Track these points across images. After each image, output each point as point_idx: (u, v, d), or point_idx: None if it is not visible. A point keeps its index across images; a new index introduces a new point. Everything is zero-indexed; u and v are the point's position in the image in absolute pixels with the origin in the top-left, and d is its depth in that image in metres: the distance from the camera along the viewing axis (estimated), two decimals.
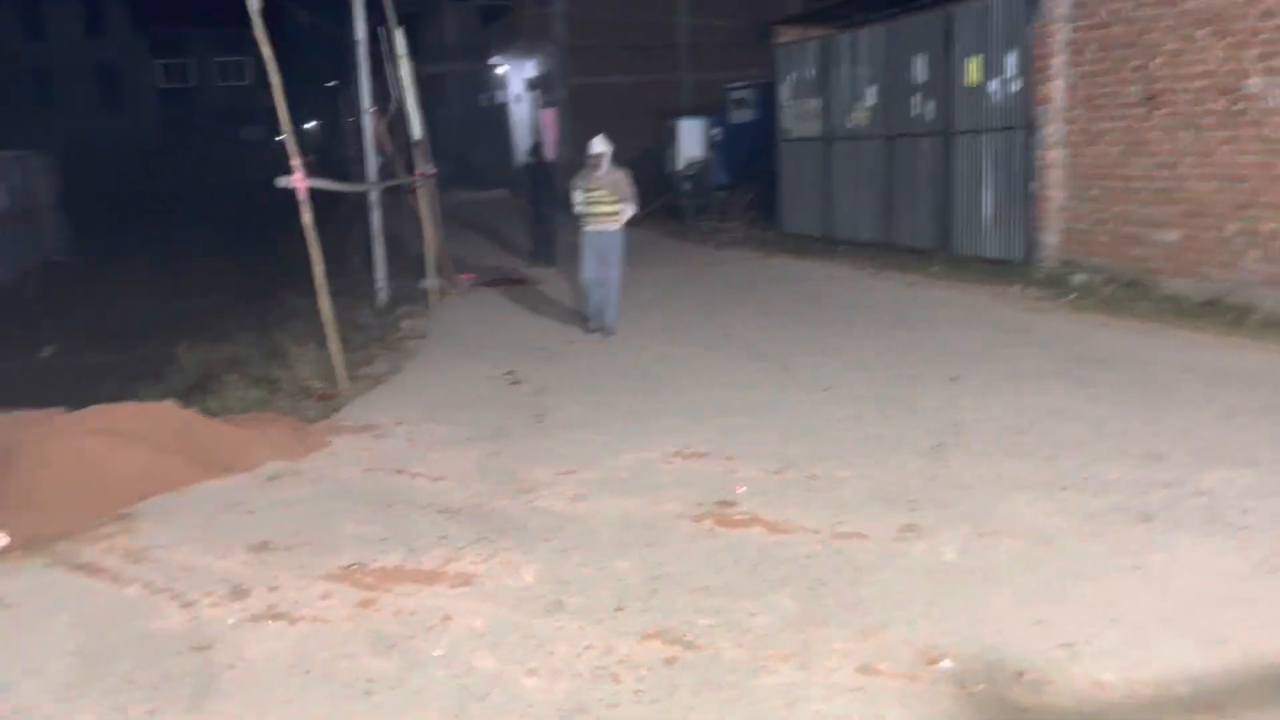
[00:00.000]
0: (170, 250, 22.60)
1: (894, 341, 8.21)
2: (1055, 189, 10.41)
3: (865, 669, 3.29)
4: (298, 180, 7.09)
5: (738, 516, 4.60)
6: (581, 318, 9.47)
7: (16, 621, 3.88)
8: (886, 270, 11.77)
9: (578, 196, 8.84)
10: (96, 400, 9.42)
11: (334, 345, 7.57)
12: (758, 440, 5.77)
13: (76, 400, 9.61)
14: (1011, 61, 10.69)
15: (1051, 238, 10.51)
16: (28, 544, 4.65)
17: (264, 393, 7.85)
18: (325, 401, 7.31)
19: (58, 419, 5.94)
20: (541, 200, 14.47)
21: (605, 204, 8.70)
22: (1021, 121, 10.61)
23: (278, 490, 5.30)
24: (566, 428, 6.27)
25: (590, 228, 8.82)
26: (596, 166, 8.68)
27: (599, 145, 8.71)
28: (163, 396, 9.18)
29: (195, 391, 8.82)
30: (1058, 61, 10.23)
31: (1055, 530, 4.32)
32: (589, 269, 8.87)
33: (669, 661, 3.37)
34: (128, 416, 5.89)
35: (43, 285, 18.49)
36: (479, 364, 8.28)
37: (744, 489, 4.93)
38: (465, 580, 4.04)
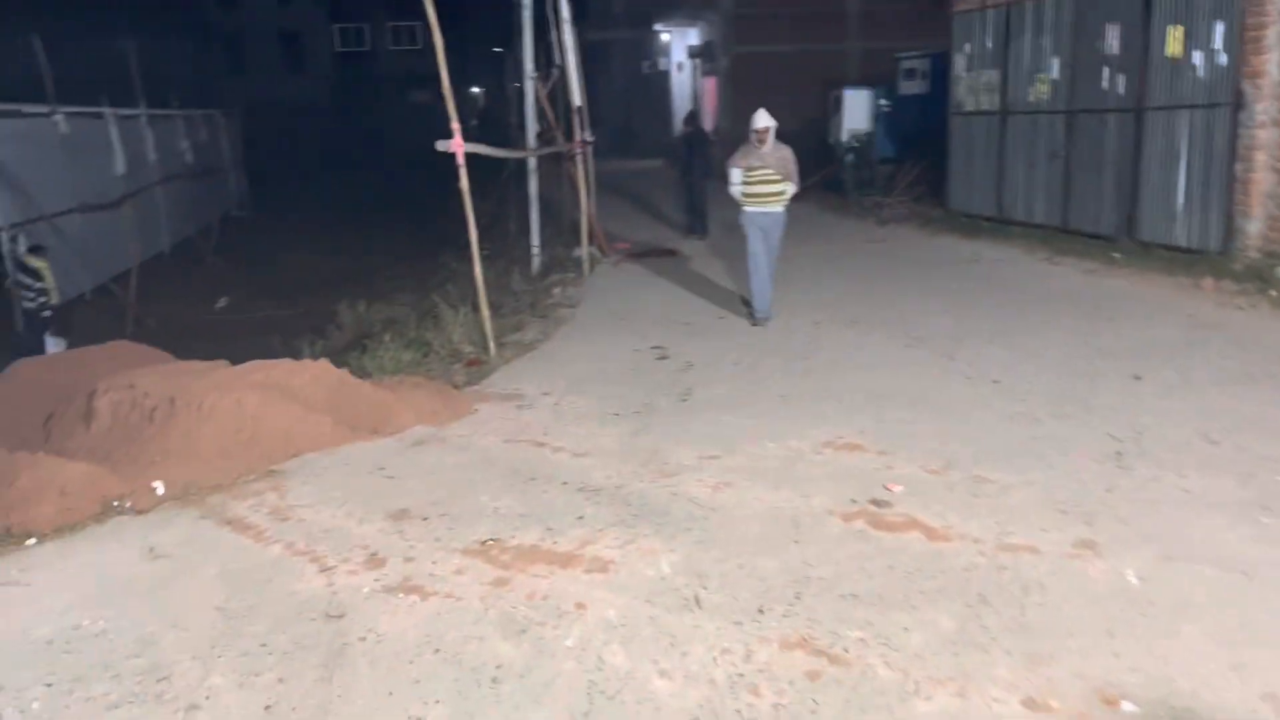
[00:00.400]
0: (340, 208, 23.52)
1: (1070, 333, 7.61)
2: (1263, 172, 9.43)
3: (1032, 703, 2.97)
4: (456, 145, 7.11)
5: (893, 518, 4.28)
6: (742, 300, 9.06)
7: (168, 572, 3.97)
8: (1062, 255, 11.00)
9: (736, 175, 8.24)
10: (263, 353, 9.84)
11: (485, 312, 7.59)
12: (916, 434, 5.40)
13: (243, 352, 10.04)
14: (1219, 31, 9.71)
15: (1254, 225, 9.54)
16: (184, 493, 4.79)
17: (417, 354, 7.96)
18: (474, 367, 7.33)
19: (220, 372, 6.12)
20: (695, 171, 14.21)
21: (770, 182, 8.17)
22: (1227, 97, 9.64)
23: (421, 456, 5.29)
24: (712, 408, 6.05)
25: (753, 208, 8.27)
26: (761, 142, 8.11)
27: (763, 119, 8.12)
28: (323, 352, 9.51)
29: (353, 349, 9.06)
30: (1273, 31, 9.23)
31: (1259, 560, 3.83)
32: (755, 253, 8.28)
33: (812, 675, 3.12)
34: (284, 374, 6.01)
35: (222, 239, 19.47)
36: (627, 336, 8.14)
37: (900, 488, 4.60)
38: (601, 566, 3.88)
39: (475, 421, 5.89)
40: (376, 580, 3.80)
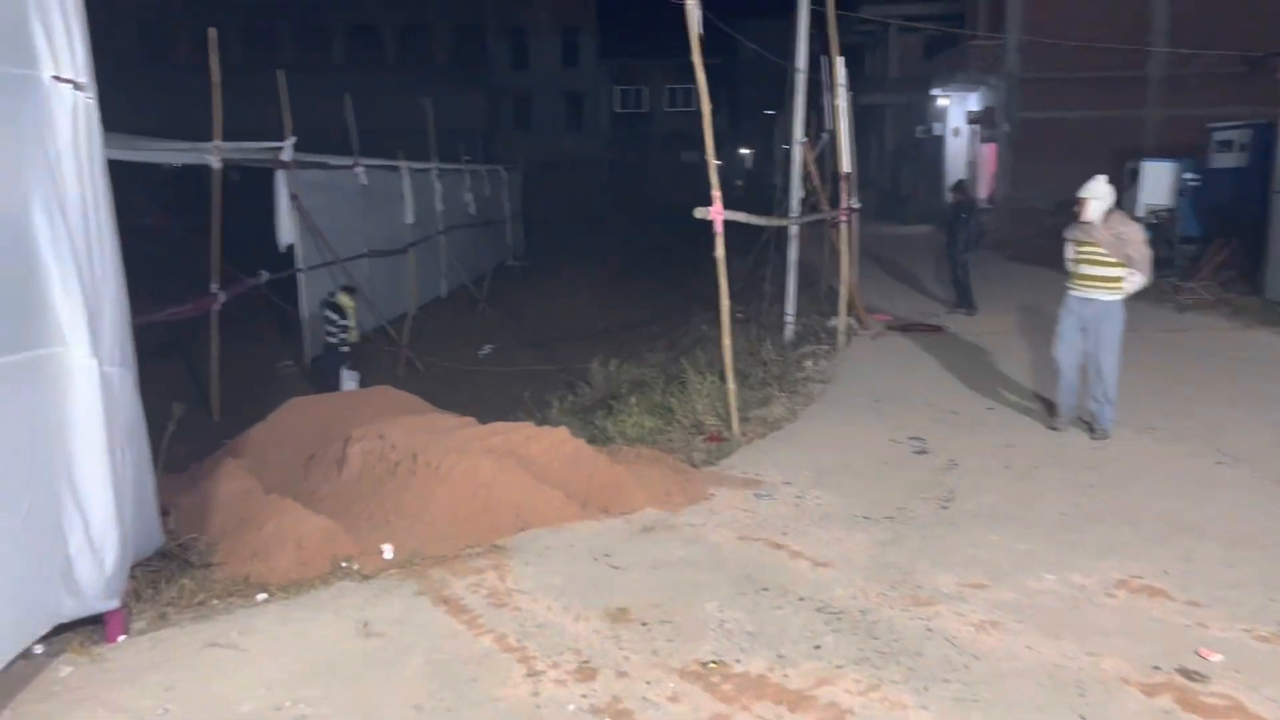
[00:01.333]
0: (608, 262, 24.13)
1: None
2: None
3: None
4: (715, 213, 6.86)
5: (1210, 699, 3.44)
6: (1043, 401, 7.94)
7: (376, 654, 3.79)
8: None
9: (1068, 250, 7.19)
10: (513, 406, 9.98)
11: (731, 386, 7.22)
12: (1235, 584, 4.45)
13: (496, 403, 10.21)
14: None
15: None
16: (408, 560, 4.68)
17: (659, 422, 7.70)
18: (714, 444, 6.96)
19: (462, 432, 6.08)
20: (959, 243, 13.28)
21: (1099, 264, 6.91)
22: None
23: (649, 545, 4.93)
24: (977, 521, 5.32)
25: (1074, 291, 7.08)
26: (1086, 215, 6.93)
27: (1089, 189, 6.96)
28: (570, 410, 9.49)
29: (599, 408, 8.96)
30: None
31: None
32: (1064, 343, 7.16)
33: None
34: (522, 440, 5.88)
35: (494, 288, 20.38)
36: (881, 422, 7.50)
37: (1218, 656, 3.73)
38: (838, 715, 3.32)
39: (709, 509, 5.48)
40: (584, 696, 3.44)
